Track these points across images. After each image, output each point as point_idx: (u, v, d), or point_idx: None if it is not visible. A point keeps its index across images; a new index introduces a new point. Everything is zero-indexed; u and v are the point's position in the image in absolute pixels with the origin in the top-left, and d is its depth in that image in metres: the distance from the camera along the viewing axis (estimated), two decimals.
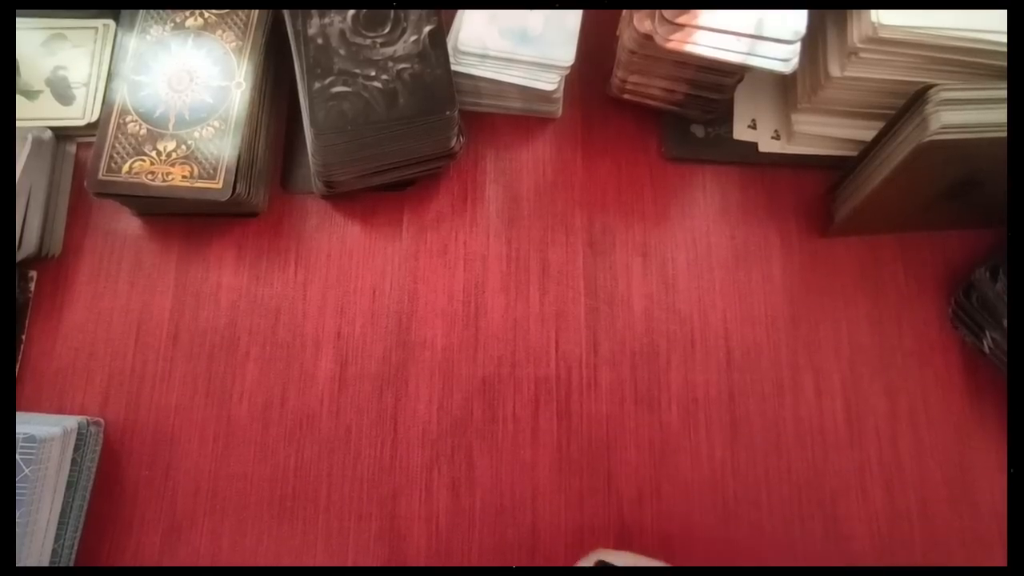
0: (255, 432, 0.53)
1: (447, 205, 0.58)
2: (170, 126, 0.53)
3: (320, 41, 0.51)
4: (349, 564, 0.50)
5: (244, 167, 0.53)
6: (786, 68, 0.49)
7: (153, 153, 0.52)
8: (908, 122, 0.48)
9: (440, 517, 0.51)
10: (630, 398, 0.54)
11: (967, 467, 0.53)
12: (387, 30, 0.52)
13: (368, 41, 0.52)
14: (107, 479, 0.51)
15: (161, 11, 0.56)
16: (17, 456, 0.43)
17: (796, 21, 0.49)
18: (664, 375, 0.54)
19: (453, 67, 0.53)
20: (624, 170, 0.60)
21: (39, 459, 0.44)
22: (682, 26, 0.49)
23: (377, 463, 0.52)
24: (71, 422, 0.49)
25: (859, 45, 0.49)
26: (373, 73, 0.51)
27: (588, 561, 0.40)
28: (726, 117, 0.60)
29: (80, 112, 0.57)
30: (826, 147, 0.58)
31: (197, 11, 0.56)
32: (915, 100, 0.47)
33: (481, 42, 0.54)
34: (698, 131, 0.60)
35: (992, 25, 0.46)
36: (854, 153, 0.54)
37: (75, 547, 0.49)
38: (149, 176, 0.52)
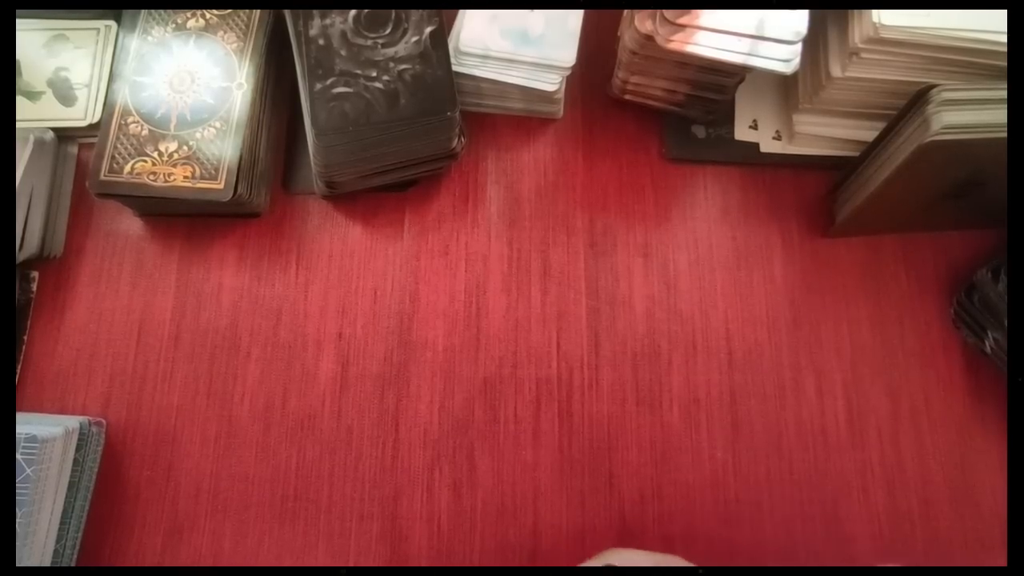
0: (256, 432, 0.53)
1: (448, 206, 0.58)
2: (172, 127, 0.53)
3: (321, 42, 0.51)
4: (351, 564, 0.50)
5: (245, 168, 0.53)
6: (787, 69, 0.49)
7: (155, 154, 0.52)
8: (909, 122, 0.47)
9: (441, 518, 0.51)
10: (631, 399, 0.54)
11: (968, 467, 0.53)
12: (388, 31, 0.52)
13: (369, 42, 0.52)
14: (109, 479, 0.51)
15: (162, 12, 0.56)
16: (19, 456, 0.43)
17: (797, 21, 0.49)
18: (665, 376, 0.54)
19: (454, 68, 0.53)
20: (625, 171, 0.60)
21: (41, 459, 0.44)
22: (683, 27, 0.49)
23: (378, 463, 0.52)
24: (73, 422, 0.49)
25: (860, 45, 0.49)
26: (374, 74, 0.51)
27: (596, 562, 0.40)
28: (727, 118, 0.60)
29: (82, 113, 0.57)
30: (827, 147, 0.58)
31: (198, 12, 0.56)
32: (916, 100, 0.47)
33: (482, 43, 0.54)
34: (699, 132, 0.60)
35: (992, 25, 0.46)
36: (855, 153, 0.54)
37: (77, 547, 0.49)
38: (151, 177, 0.52)
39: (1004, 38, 0.46)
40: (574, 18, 0.55)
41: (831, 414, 0.54)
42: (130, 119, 0.53)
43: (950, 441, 0.53)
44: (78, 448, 0.49)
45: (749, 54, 0.49)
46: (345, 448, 0.52)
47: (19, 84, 0.57)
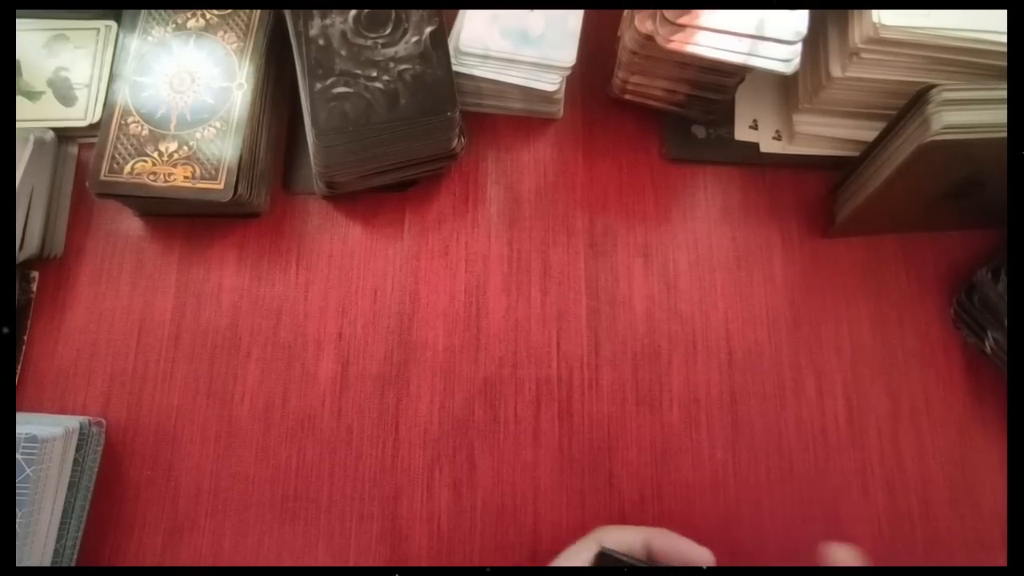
0: (257, 432, 0.53)
1: (448, 206, 0.58)
2: (172, 127, 0.53)
3: (321, 42, 0.51)
4: (350, 564, 0.50)
5: (246, 168, 0.53)
6: (787, 69, 0.49)
7: (155, 154, 0.52)
8: (909, 123, 0.47)
9: (441, 517, 0.51)
10: (631, 399, 0.54)
11: (968, 467, 0.53)
12: (388, 31, 0.52)
13: (369, 42, 0.52)
14: (109, 479, 0.51)
15: (162, 12, 0.56)
16: (19, 456, 0.43)
17: (797, 21, 0.49)
18: (665, 376, 0.54)
19: (454, 68, 0.53)
20: (625, 171, 0.60)
21: (41, 459, 0.44)
22: (683, 27, 0.49)
23: (378, 463, 0.52)
24: (73, 422, 0.49)
25: (860, 45, 0.49)
26: (374, 74, 0.51)
27: (588, 541, 0.39)
28: (727, 118, 0.60)
29: (82, 113, 0.57)
30: (827, 148, 0.58)
31: (198, 12, 0.56)
32: (916, 100, 0.47)
33: (482, 43, 0.54)
34: (699, 132, 0.60)
35: (992, 25, 0.46)
36: (855, 153, 0.54)
37: (77, 547, 0.49)
38: (151, 177, 0.52)
39: (1004, 38, 0.46)
40: (574, 18, 0.55)
41: (831, 414, 0.54)
42: (130, 119, 0.53)
43: (950, 441, 0.53)
44: (78, 448, 0.49)
45: (749, 54, 0.49)
46: (345, 448, 0.52)
47: (19, 84, 0.57)
